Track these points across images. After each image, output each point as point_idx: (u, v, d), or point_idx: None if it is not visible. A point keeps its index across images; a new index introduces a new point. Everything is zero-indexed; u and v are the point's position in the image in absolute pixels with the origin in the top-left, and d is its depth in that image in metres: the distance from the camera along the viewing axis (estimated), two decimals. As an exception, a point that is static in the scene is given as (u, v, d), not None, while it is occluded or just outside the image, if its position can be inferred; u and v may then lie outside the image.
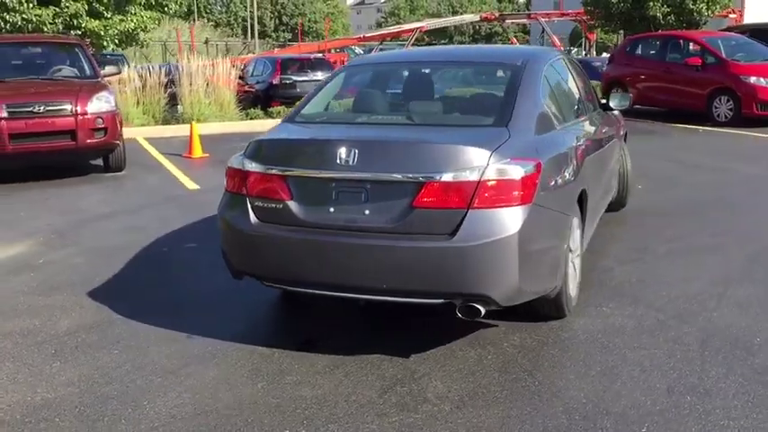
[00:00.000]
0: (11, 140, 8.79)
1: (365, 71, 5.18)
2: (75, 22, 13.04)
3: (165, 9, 14.70)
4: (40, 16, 12.67)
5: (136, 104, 14.66)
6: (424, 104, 4.50)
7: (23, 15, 12.63)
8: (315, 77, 17.98)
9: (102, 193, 8.67)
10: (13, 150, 8.86)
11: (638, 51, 16.61)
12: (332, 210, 3.72)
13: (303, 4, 68.06)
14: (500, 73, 4.47)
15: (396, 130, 4.13)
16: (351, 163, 3.63)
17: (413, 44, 27.38)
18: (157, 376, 3.72)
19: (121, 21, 13.49)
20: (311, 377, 3.67)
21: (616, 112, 6.90)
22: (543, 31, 31.08)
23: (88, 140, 9.13)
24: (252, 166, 3.91)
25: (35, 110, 8.87)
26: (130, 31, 13.85)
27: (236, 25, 65.09)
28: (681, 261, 5.43)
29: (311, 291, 3.85)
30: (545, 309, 4.22)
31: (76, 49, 10.57)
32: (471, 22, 32.02)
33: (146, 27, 14.27)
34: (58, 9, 12.96)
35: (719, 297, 4.63)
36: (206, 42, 41.67)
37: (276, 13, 68.23)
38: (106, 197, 8.41)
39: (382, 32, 30.60)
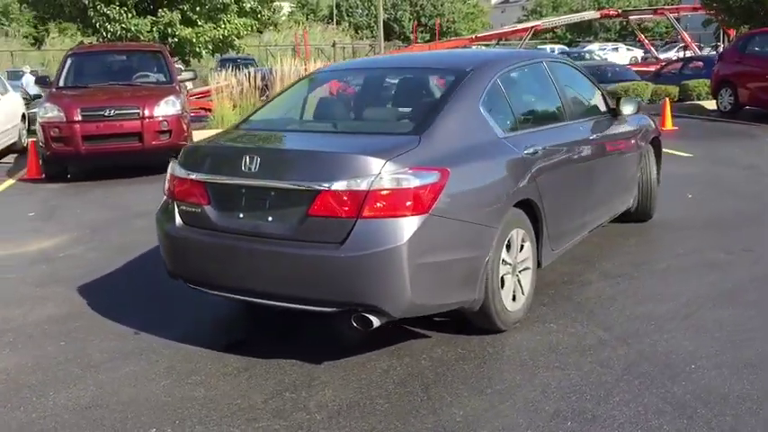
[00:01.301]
0: (84, 142, 9.52)
1: (328, 77, 5.22)
2: (169, 30, 13.86)
3: (259, 16, 15.29)
4: (137, 26, 13.58)
5: (232, 108, 15.35)
6: (359, 112, 4.48)
7: (123, 25, 13.58)
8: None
9: (160, 192, 9.16)
10: (86, 151, 9.59)
11: (751, 48, 15.42)
12: (241, 216, 3.81)
13: (442, 5, 68.08)
14: (444, 79, 4.38)
15: (311, 137, 4.15)
16: (254, 170, 3.70)
17: (525, 45, 26.77)
18: (80, 369, 3.95)
19: (212, 29, 14.20)
20: (214, 378, 3.77)
21: (647, 119, 6.53)
22: (673, 28, 29.50)
23: (154, 142, 9.71)
24: (179, 172, 4.08)
25: (106, 113, 9.56)
26: (223, 37, 14.52)
27: (376, 28, 66.14)
28: (673, 278, 5.08)
29: (224, 295, 3.95)
30: (476, 322, 4.11)
31: (157, 56, 11.26)
32: (595, 19, 30.87)
33: (239, 33, 14.91)
34: (154, 18, 13.82)
35: (684, 318, 4.31)
36: (333, 45, 42.82)
37: (415, 14, 68.72)
38: (159, 196, 8.88)
39: (496, 32, 30.12)
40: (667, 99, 14.18)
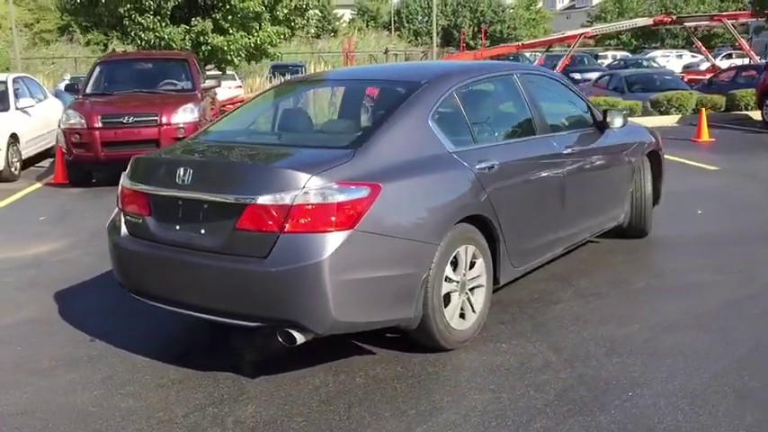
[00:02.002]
0: (103, 148, 9.76)
1: (289, 89, 5.19)
2: (201, 38, 14.10)
3: (293, 24, 15.42)
4: (170, 34, 13.86)
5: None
6: (308, 124, 4.45)
7: (157, 33, 13.88)
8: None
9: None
10: (105, 156, 9.82)
11: (799, 57, 14.82)
12: (177, 227, 3.81)
13: (503, 11, 67.46)
14: (396, 92, 4.31)
15: (250, 150, 4.11)
16: (186, 183, 3.71)
17: (573, 54, 26.24)
18: (25, 375, 4.01)
19: (242, 37, 14.38)
20: (147, 390, 3.78)
21: (642, 132, 6.31)
22: (731, 35, 28.53)
23: (170, 149, 9.86)
24: (125, 182, 4.12)
25: (124, 120, 9.77)
26: (256, 45, 14.69)
27: (436, 34, 65.71)
28: (647, 299, 4.88)
29: (162, 306, 3.96)
30: (419, 340, 4.02)
31: (183, 64, 11.46)
32: (649, 26, 30.02)
33: (272, 41, 15.06)
34: (187, 27, 14.08)
35: (642, 342, 4.14)
36: (386, 52, 42.97)
37: (475, 21, 68.27)
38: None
39: (544, 39, 29.59)
40: (703, 110, 13.72)
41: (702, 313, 4.56)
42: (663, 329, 4.32)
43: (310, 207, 3.43)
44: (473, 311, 4.20)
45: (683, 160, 10.65)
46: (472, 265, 4.17)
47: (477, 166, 4.16)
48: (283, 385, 3.77)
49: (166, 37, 13.91)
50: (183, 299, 3.77)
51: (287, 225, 3.43)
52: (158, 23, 13.84)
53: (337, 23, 63.73)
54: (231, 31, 14.21)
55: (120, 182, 4.25)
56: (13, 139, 11.35)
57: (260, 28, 14.67)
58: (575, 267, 5.55)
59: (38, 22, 49.28)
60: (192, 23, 14.08)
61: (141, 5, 13.57)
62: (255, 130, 4.53)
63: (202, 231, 3.71)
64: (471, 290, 4.19)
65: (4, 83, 12.30)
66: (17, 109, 11.90)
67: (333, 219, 3.43)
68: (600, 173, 5.49)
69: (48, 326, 4.77)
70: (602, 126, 5.56)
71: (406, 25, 64.43)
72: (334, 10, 64.32)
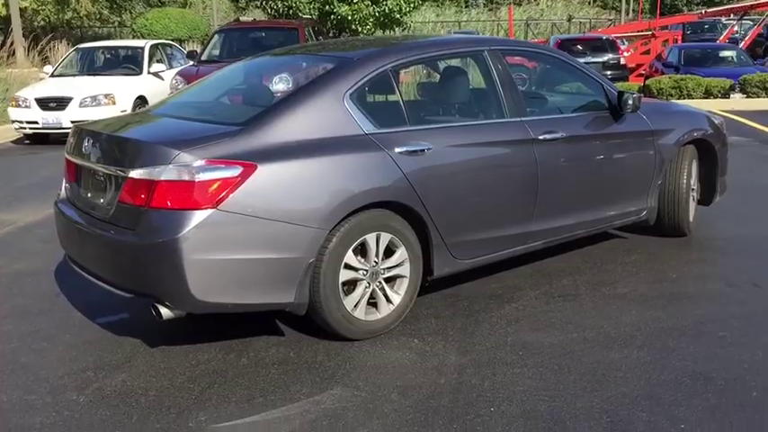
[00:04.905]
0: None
1: (257, 61, 5.07)
2: (327, 7, 14.31)
3: (424, -8, 15.19)
4: (297, 2, 14.18)
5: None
6: (232, 99, 4.37)
7: (285, 2, 14.26)
8: (596, 59, 17.16)
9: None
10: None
11: None
12: (89, 195, 3.94)
13: (728, -25, 61.75)
14: (322, 69, 4.12)
15: (155, 123, 4.11)
16: (87, 152, 3.84)
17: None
18: (-31, 324, 4.37)
19: (367, 6, 14.37)
20: (56, 347, 3.96)
21: (694, 122, 5.60)
22: None
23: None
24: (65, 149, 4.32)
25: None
26: (383, 14, 14.63)
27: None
28: (615, 307, 4.34)
29: (78, 270, 4.10)
30: (322, 327, 3.90)
31: (293, 33, 11.73)
32: None
33: (401, 9, 14.93)
34: (316, -5, 14.37)
35: (562, 355, 3.72)
36: (569, 20, 41.24)
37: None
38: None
39: (732, 6, 26.62)
40: None
41: (661, 329, 4.00)
42: (600, 343, 3.85)
43: (174, 183, 3.40)
44: (389, 302, 3.98)
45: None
46: (391, 253, 3.95)
47: (399, 149, 3.89)
48: (171, 358, 3.81)
49: (294, 5, 14.27)
50: (86, 264, 3.91)
51: (152, 199, 3.43)
52: (287, -8, 14.27)
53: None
54: (355, 0, 14.27)
55: (69, 149, 4.45)
56: (141, 100, 12.24)
57: (388, -4, 14.64)
58: (569, 264, 5.09)
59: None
60: (317, -10, 14.39)
61: (271, -26, 14.06)
62: (193, 102, 4.52)
63: (101, 201, 3.80)
64: (388, 279, 3.97)
65: (142, 48, 13.29)
66: (149, 73, 12.81)
67: (194, 196, 3.38)
68: (603, 162, 4.94)
69: (33, 277, 5.13)
70: (617, 110, 4.98)
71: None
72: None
